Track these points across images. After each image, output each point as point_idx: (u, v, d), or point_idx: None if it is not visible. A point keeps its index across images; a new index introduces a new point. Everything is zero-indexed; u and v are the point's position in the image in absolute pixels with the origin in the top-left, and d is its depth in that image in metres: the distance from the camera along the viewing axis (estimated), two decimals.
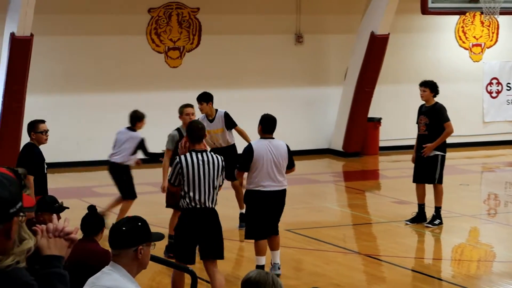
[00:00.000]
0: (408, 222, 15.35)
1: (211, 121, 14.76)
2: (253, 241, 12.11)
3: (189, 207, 10.50)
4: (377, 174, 21.99)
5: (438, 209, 15.27)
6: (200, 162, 10.47)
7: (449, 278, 12.51)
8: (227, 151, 14.58)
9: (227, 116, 14.90)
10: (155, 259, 7.02)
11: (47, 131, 12.46)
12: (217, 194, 10.65)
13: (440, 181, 15.14)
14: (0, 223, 3.90)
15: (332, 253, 13.87)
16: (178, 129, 13.87)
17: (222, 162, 10.64)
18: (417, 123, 15.32)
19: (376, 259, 13.17)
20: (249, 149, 11.96)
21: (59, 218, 4.31)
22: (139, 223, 5.71)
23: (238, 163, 12.34)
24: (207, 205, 10.50)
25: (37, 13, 19.47)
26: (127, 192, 14.76)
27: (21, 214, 3.96)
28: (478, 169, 22.56)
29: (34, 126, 12.42)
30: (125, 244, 5.64)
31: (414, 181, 15.43)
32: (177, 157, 10.73)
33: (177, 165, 10.53)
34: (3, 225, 3.91)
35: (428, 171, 15.14)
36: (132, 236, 5.64)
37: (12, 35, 19.56)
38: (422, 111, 15.30)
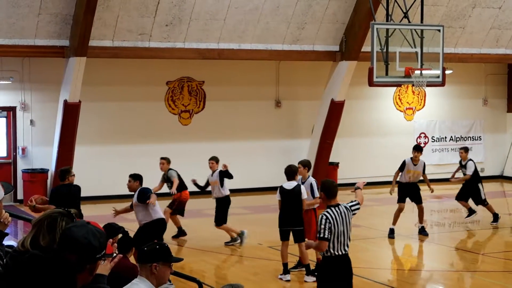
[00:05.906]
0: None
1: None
2: None
3: (333, 255, 8.84)
4: None
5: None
6: (340, 215, 8.81)
7: (388, 283, 12.51)
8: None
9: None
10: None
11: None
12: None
13: None
14: (88, 264, 4.07)
15: None
16: None
17: (349, 210, 8.95)
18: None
19: None
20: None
21: (114, 240, 4.26)
22: (158, 247, 5.59)
23: None
24: (347, 251, 8.99)
25: (84, 85, 19.59)
26: None
27: (103, 259, 4.15)
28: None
29: (70, 171, 12.49)
30: (143, 260, 5.55)
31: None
32: (322, 213, 8.82)
33: (326, 220, 8.69)
34: (90, 266, 4.09)
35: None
36: (149, 255, 5.52)
37: (65, 101, 19.65)
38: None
